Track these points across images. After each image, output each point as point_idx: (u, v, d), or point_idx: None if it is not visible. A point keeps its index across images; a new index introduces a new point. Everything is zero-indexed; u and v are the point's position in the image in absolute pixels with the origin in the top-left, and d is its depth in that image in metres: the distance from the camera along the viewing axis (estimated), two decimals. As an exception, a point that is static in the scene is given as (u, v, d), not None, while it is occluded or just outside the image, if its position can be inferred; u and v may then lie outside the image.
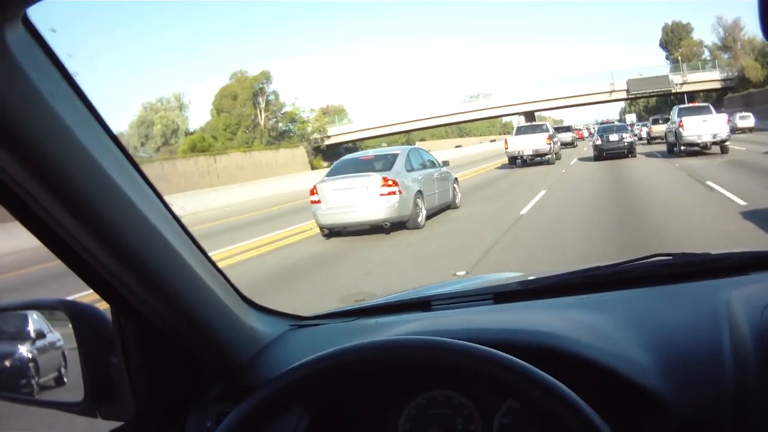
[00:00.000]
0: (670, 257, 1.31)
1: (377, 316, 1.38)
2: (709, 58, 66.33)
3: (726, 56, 60.64)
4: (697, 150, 20.53)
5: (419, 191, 10.20)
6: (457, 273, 6.23)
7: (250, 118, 59.87)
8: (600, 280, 1.29)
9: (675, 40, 74.41)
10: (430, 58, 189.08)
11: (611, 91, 57.42)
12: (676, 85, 56.17)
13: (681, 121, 20.47)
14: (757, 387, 0.85)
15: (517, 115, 60.85)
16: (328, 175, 10.55)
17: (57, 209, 0.83)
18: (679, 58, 63.76)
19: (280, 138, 58.95)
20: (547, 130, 25.06)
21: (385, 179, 9.53)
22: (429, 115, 61.52)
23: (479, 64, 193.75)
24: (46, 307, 1.25)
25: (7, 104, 0.71)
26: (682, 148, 20.59)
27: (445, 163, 12.50)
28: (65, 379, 1.17)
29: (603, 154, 23.67)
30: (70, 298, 1.19)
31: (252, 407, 0.87)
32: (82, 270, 0.95)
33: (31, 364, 1.16)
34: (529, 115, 59.65)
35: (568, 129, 46.90)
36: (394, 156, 10.54)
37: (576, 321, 1.09)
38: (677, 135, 20.87)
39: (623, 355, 0.97)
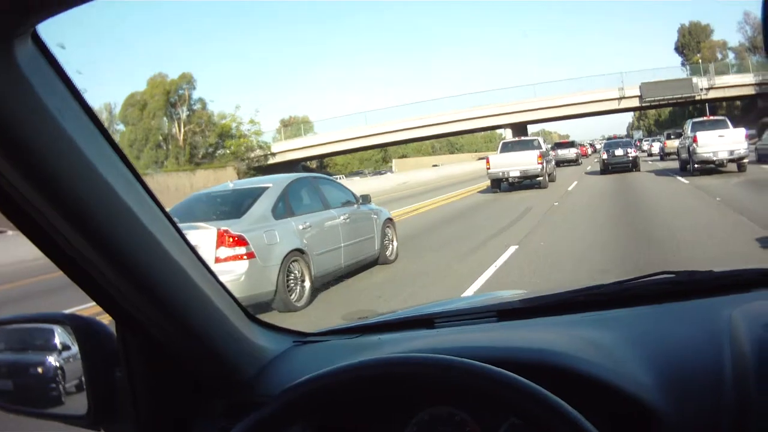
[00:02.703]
0: (674, 275, 1.51)
1: (380, 333, 1.59)
2: (734, 61, 66.54)
3: (756, 58, 60.15)
4: (712, 168, 21.78)
5: (298, 250, 7.94)
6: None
7: (160, 133, 58.78)
8: (603, 298, 1.50)
9: (693, 43, 76.58)
10: (408, 57, 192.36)
11: (621, 98, 56.30)
12: (701, 90, 54.58)
13: (695, 137, 21.77)
14: (757, 404, 0.99)
15: (505, 128, 59.78)
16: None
17: (63, 224, 0.97)
18: (700, 61, 63.39)
19: (210, 156, 57.75)
20: (537, 147, 25.51)
21: (223, 234, 7.20)
22: (404, 126, 61.22)
23: (465, 66, 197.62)
24: (51, 321, 1.45)
25: (15, 120, 0.84)
26: (696, 165, 21.92)
27: (365, 198, 10.26)
28: (66, 393, 1.37)
29: (609, 167, 30.24)
30: (69, 311, 1.41)
31: (255, 423, 1.02)
32: (86, 284, 1.12)
33: (59, 372, 1.36)
34: (520, 128, 58.59)
35: (571, 145, 48.16)
36: (258, 192, 8.27)
37: (579, 339, 1.26)
38: (691, 151, 22.19)
39: (626, 372, 1.12)
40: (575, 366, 1.15)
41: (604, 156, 31.33)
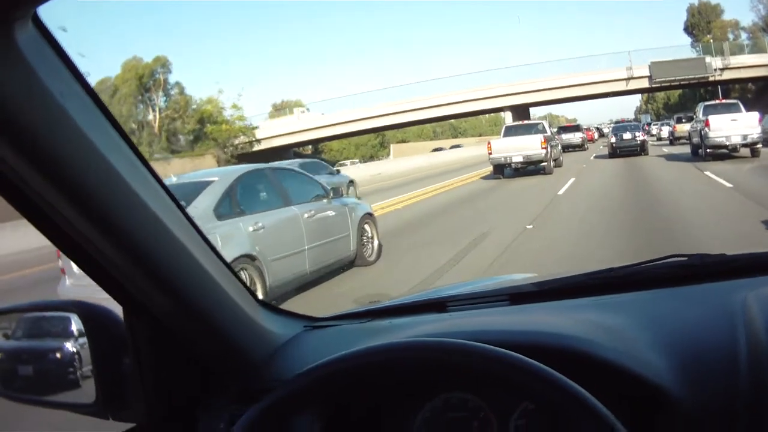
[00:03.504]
0: (686, 258, 1.57)
1: (392, 317, 1.66)
2: (747, 41, 65.27)
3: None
4: (725, 153, 22.27)
5: (247, 255, 7.06)
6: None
7: (133, 120, 57.97)
8: (616, 282, 1.56)
9: (703, 23, 76.28)
10: (405, 37, 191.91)
11: (629, 78, 55.45)
12: (715, 70, 53.57)
13: (707, 120, 22.21)
14: None
15: (505, 111, 59.02)
16: None
17: (68, 209, 1.01)
18: (712, 41, 61.52)
19: (192, 144, 56.82)
20: (542, 131, 25.94)
21: None
22: (400, 109, 60.49)
23: (464, 46, 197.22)
24: (59, 308, 1.54)
25: (17, 104, 0.87)
26: (708, 150, 22.36)
27: (335, 191, 9.47)
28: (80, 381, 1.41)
29: (617, 151, 31.82)
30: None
31: (266, 408, 1.09)
32: (94, 270, 1.17)
33: (76, 357, 1.41)
34: (522, 111, 57.69)
35: (576, 129, 48.05)
36: (199, 188, 7.34)
37: (591, 322, 1.32)
38: (702, 136, 22.61)
39: (638, 356, 1.17)
40: (588, 350, 1.20)
41: (612, 140, 32.81)
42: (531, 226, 11.46)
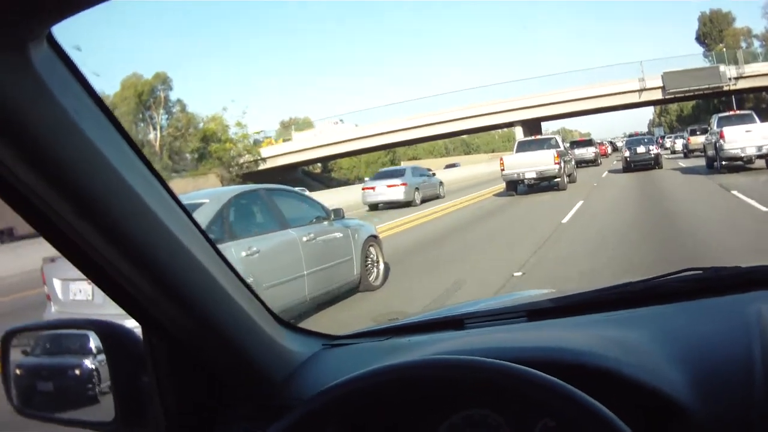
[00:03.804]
0: (701, 271, 1.63)
1: (410, 335, 1.70)
2: (761, 49, 65.90)
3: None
4: (740, 165, 22.53)
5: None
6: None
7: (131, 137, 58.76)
8: (631, 296, 1.60)
9: (715, 32, 76.56)
10: (413, 53, 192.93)
11: (642, 90, 55.31)
12: (729, 79, 53.34)
13: (721, 132, 22.47)
14: None
15: (515, 125, 58.48)
16: None
17: (84, 227, 1.04)
18: (725, 50, 61.26)
19: (197, 163, 56.30)
20: (555, 146, 26.23)
21: None
22: (407, 126, 60.68)
23: (472, 60, 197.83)
24: (77, 326, 1.60)
25: (33, 123, 0.90)
26: (723, 163, 22.67)
27: (337, 213, 9.22)
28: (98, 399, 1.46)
29: (631, 165, 32.24)
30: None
31: (287, 427, 1.12)
32: (111, 289, 1.20)
33: (94, 373, 1.46)
34: (533, 126, 57.14)
35: (588, 143, 48.02)
36: (189, 210, 5.16)
37: (608, 337, 1.35)
38: (717, 148, 22.85)
39: (655, 370, 1.20)
40: (605, 365, 1.24)
41: (626, 154, 33.49)
42: (520, 273, 9.48)
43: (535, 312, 1.69)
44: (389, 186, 27.81)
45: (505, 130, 66.38)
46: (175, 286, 1.21)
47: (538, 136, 32.44)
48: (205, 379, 1.42)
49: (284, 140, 67.63)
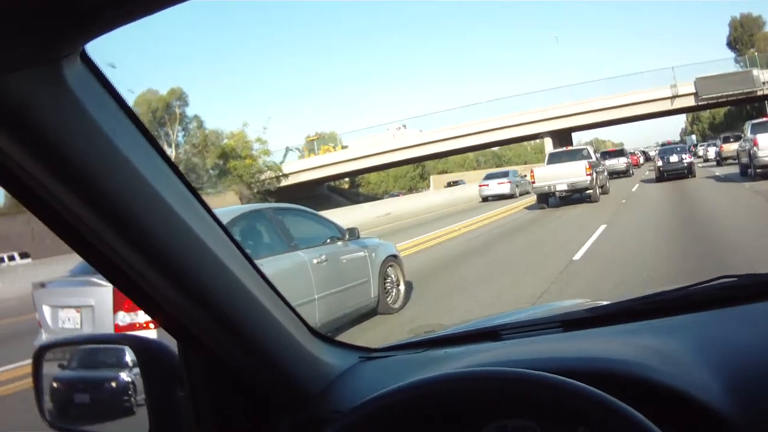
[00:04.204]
0: (736, 278, 1.65)
1: (447, 346, 1.75)
2: None
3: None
4: None
5: None
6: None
7: None
8: (666, 305, 1.63)
9: (746, 37, 76.60)
10: (439, 63, 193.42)
11: (674, 97, 54.99)
12: (763, 83, 52.89)
13: (755, 139, 22.81)
14: None
15: (544, 136, 57.97)
16: None
17: (122, 245, 1.09)
18: (756, 54, 61.11)
19: (216, 180, 56.00)
20: (587, 156, 26.34)
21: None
22: (433, 138, 60.57)
23: (500, 70, 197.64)
24: (112, 342, 1.70)
25: (68, 141, 0.94)
26: (758, 170, 22.93)
27: (351, 233, 8.96)
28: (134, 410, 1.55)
29: (664, 175, 32.81)
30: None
31: None
32: (148, 304, 1.27)
33: (130, 386, 1.54)
34: (563, 136, 56.81)
35: (620, 154, 48.03)
36: None
37: (644, 346, 1.40)
38: (751, 155, 23.24)
39: (692, 378, 1.24)
40: (642, 374, 1.27)
41: (659, 163, 33.99)
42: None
43: (571, 322, 1.73)
44: (499, 183, 40.54)
45: (537, 141, 65.79)
46: (212, 301, 1.25)
47: (570, 147, 32.97)
48: (242, 392, 1.45)
49: (343, 147, 69.27)
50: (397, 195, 67.11)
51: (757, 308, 1.52)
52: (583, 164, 24.76)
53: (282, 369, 1.46)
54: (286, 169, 60.68)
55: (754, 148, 22.86)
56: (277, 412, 1.50)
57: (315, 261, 7.84)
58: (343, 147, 68.47)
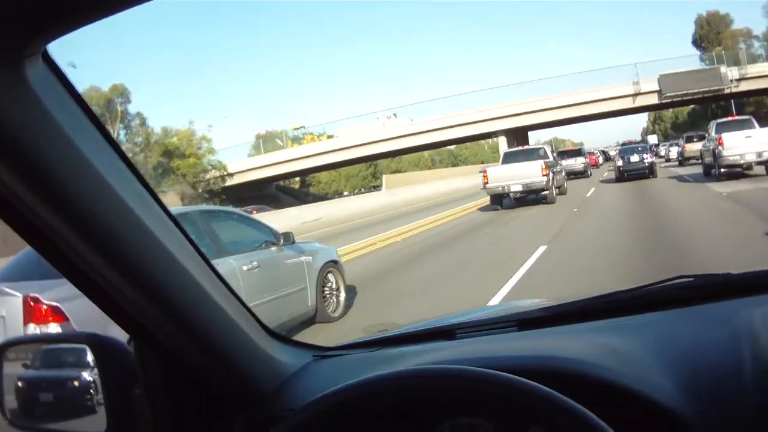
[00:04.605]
0: (692, 279, 1.74)
1: (401, 345, 1.81)
2: (762, 50, 65.99)
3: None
4: (738, 172, 22.91)
5: None
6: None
7: None
8: (622, 304, 1.72)
9: (712, 35, 77.09)
10: (389, 59, 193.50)
11: (636, 94, 54.56)
12: (731, 81, 52.34)
13: (720, 138, 22.91)
14: None
15: (499, 135, 57.85)
16: None
17: (79, 243, 1.12)
18: (723, 53, 60.04)
19: (159, 179, 55.67)
20: (543, 156, 26.27)
21: (31, 303, 5.87)
22: (383, 137, 60.38)
23: (453, 65, 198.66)
24: (70, 340, 1.75)
25: (28, 139, 0.96)
26: (722, 170, 22.99)
27: (286, 237, 8.72)
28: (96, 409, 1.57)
29: (624, 175, 32.72)
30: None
31: None
32: (103, 301, 1.28)
33: (92, 385, 1.56)
34: (520, 135, 56.69)
35: (577, 153, 47.58)
36: None
37: (599, 345, 1.45)
38: (716, 154, 23.24)
39: (647, 377, 1.29)
40: (596, 373, 1.32)
41: (619, 163, 33.97)
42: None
43: (526, 321, 1.78)
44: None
45: (494, 140, 65.74)
46: (166, 298, 1.29)
47: (526, 147, 32.57)
48: (197, 390, 1.49)
49: (329, 137, 68.43)
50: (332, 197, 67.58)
51: (712, 308, 1.59)
52: (539, 164, 24.53)
53: (236, 367, 1.49)
54: (232, 168, 60.41)
55: (719, 147, 22.84)
56: (231, 411, 1.53)
57: (245, 268, 7.72)
58: (329, 137, 68.05)
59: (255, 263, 7.83)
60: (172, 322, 1.33)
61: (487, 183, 25.30)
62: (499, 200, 25.61)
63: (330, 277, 9.34)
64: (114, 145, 1.16)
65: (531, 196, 25.54)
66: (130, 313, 1.31)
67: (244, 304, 1.56)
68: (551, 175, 24.87)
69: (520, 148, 31.63)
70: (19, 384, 1.76)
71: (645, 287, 1.76)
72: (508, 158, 27.07)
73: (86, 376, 1.60)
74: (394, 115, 68.98)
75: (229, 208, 9.90)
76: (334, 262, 9.55)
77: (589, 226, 16.82)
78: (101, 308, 1.32)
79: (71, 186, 1.05)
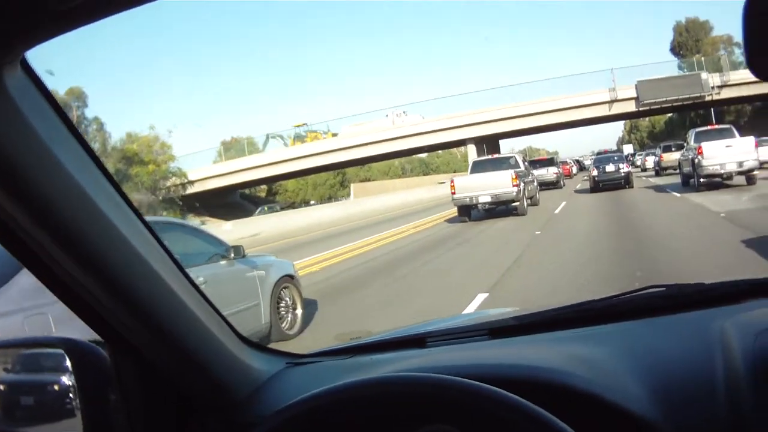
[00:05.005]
0: (664, 288, 1.81)
1: (373, 353, 1.87)
2: (742, 58, 66.88)
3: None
4: (718, 182, 23.10)
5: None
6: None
7: None
8: (594, 314, 1.77)
9: (691, 42, 77.57)
10: (359, 63, 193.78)
11: (612, 101, 53.82)
12: (712, 88, 51.34)
13: (700, 148, 23.06)
14: (750, 412, 1.21)
15: (468, 143, 57.06)
16: None
17: (55, 249, 1.16)
18: (702, 60, 58.83)
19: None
20: (514, 165, 25.89)
21: None
22: (352, 143, 59.92)
23: (425, 70, 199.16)
24: (47, 345, 1.80)
25: (5, 146, 1.00)
26: (702, 180, 23.08)
27: (237, 251, 8.39)
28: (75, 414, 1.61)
29: (599, 185, 32.91)
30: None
31: None
32: (79, 307, 1.34)
33: (71, 389, 1.59)
34: (491, 144, 56.68)
35: (549, 162, 46.67)
36: None
37: (571, 355, 1.50)
38: (695, 164, 23.38)
39: (617, 386, 1.34)
40: (567, 381, 1.37)
41: (594, 173, 34.11)
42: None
43: (498, 330, 1.84)
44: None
45: (465, 149, 64.87)
46: (142, 306, 1.34)
47: (496, 155, 31.84)
48: (172, 396, 1.54)
49: (333, 134, 67.14)
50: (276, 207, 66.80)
51: (685, 318, 1.65)
52: (509, 174, 24.01)
53: (210, 373, 1.55)
54: (196, 175, 59.85)
55: (699, 157, 22.99)
56: (205, 416, 1.59)
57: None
58: (334, 134, 66.55)
59: (201, 279, 7.29)
60: (146, 328, 1.38)
61: (454, 193, 24.75)
62: (467, 212, 25.12)
63: (285, 293, 9.05)
64: (91, 153, 1.21)
65: (501, 208, 25.06)
66: (105, 319, 1.36)
67: (218, 312, 1.61)
68: (522, 185, 24.40)
69: (490, 157, 31.30)
70: (0, 388, 1.84)
71: (617, 296, 1.83)
72: (477, 167, 26.70)
73: (66, 380, 1.62)
74: (404, 113, 66.44)
75: (176, 219, 10.02)
76: (290, 277, 9.27)
77: (551, 257, 13.71)
78: (77, 313, 1.36)
79: (48, 193, 1.09)
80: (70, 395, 1.61)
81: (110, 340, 1.45)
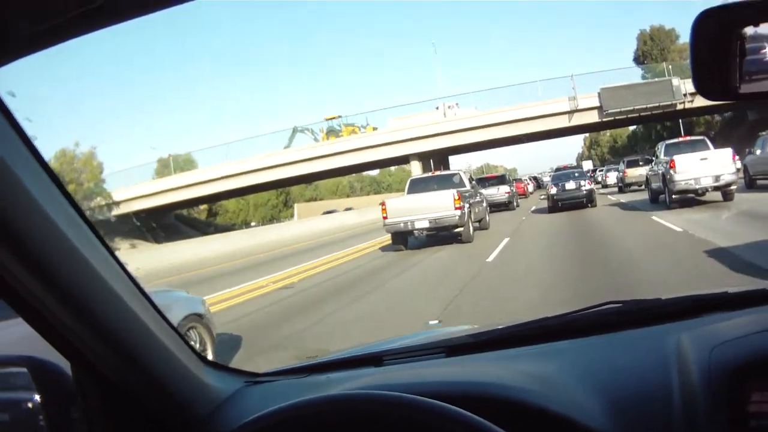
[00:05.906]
0: (621, 304, 2.05)
1: (329, 372, 2.10)
2: None
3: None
4: (691, 198, 23.00)
5: None
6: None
7: None
8: (550, 331, 2.00)
9: (656, 51, 78.05)
10: (301, 73, 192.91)
11: (573, 111, 53.00)
12: (684, 95, 50.06)
13: (672, 161, 22.58)
14: (705, 425, 1.34)
15: (412, 159, 56.00)
16: None
17: (18, 269, 1.25)
18: (670, 67, 57.46)
19: None
20: (458, 184, 24.18)
21: None
22: (289, 159, 59.16)
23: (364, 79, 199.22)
24: (9, 363, 1.91)
25: None
26: (674, 196, 22.59)
27: None
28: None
29: (559, 204, 32.17)
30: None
31: None
32: (41, 326, 1.42)
33: (40, 407, 1.72)
34: (438, 160, 56.03)
35: (500, 181, 43.58)
36: None
37: (526, 371, 1.65)
38: (666, 180, 22.96)
39: (573, 401, 1.48)
40: (522, 398, 1.49)
41: (553, 191, 33.16)
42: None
43: (454, 348, 2.04)
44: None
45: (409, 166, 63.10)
46: (103, 325, 1.45)
47: (437, 173, 29.54)
48: (134, 414, 1.65)
49: (374, 128, 64.78)
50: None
51: (641, 333, 1.80)
52: (450, 194, 21.91)
53: (170, 392, 1.67)
54: (131, 193, 60.26)
55: (671, 171, 22.57)
56: None
57: None
58: (374, 128, 63.11)
59: None
60: (107, 348, 1.48)
61: (386, 218, 22.42)
62: (403, 239, 23.13)
63: (191, 334, 8.15)
64: (51, 173, 1.30)
65: (443, 233, 23.05)
66: (66, 337, 1.44)
67: (177, 332, 1.74)
68: (466, 208, 22.20)
69: (430, 174, 29.23)
70: None
71: (572, 313, 2.02)
72: (415, 187, 24.72)
73: (38, 397, 1.73)
74: (456, 104, 61.18)
75: None
76: (199, 316, 8.34)
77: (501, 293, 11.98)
78: (38, 331, 1.44)
79: (7, 213, 1.17)
80: (39, 414, 1.72)
81: (72, 359, 1.53)
